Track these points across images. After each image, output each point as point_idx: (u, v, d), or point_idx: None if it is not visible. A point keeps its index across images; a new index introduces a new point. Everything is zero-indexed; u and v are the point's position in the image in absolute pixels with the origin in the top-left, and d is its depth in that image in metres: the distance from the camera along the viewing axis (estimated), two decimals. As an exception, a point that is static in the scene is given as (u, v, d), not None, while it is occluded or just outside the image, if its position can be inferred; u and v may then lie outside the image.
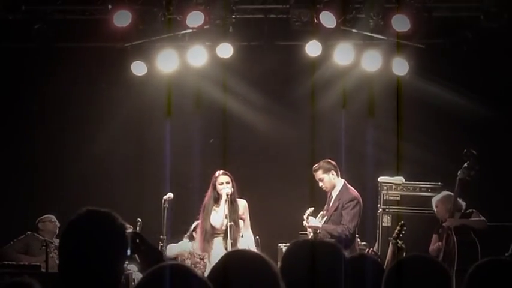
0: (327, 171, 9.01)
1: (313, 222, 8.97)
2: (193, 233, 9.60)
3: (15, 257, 9.51)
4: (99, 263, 2.87)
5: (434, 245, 9.13)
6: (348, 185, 9.09)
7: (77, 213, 2.95)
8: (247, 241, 8.98)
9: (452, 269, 8.29)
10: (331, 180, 9.02)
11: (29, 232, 9.86)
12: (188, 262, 9.56)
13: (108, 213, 2.96)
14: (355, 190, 9.06)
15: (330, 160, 9.13)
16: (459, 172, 8.88)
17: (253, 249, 8.92)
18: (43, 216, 9.99)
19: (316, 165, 9.09)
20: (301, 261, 3.13)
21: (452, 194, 9.06)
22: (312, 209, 9.03)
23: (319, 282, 3.08)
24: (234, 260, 2.91)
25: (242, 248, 7.95)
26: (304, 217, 8.98)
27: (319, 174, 9.03)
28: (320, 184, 9.07)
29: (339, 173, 9.09)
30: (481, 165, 8.94)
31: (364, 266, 3.54)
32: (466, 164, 8.85)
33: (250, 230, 9.09)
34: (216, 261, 2.99)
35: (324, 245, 3.26)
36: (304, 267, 3.10)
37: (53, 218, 9.94)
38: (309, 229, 9.02)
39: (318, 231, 8.87)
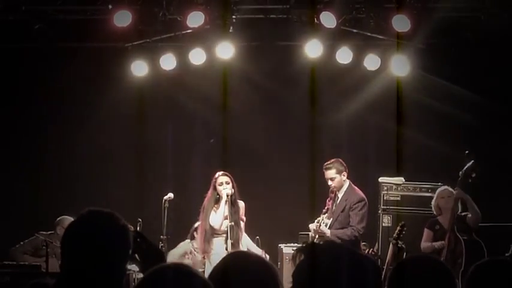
0: (340, 172, 8.99)
1: (322, 229, 8.93)
2: (194, 233, 9.60)
3: (20, 259, 9.42)
4: (102, 263, 2.87)
5: (433, 243, 8.95)
6: (353, 185, 9.08)
7: (79, 213, 2.95)
8: (245, 241, 8.99)
9: (459, 270, 8.20)
10: (341, 181, 9.00)
11: (36, 234, 9.60)
12: (189, 262, 9.56)
13: (111, 214, 2.96)
14: (360, 191, 9.06)
15: (342, 161, 9.10)
16: (460, 173, 8.80)
17: (253, 248, 8.95)
18: (64, 221, 9.21)
19: (330, 163, 9.04)
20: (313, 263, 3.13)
21: (449, 189, 8.98)
22: (324, 216, 8.99)
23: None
24: (235, 261, 2.91)
25: (243, 250, 7.98)
26: (315, 222, 8.92)
27: (332, 173, 9.00)
28: (329, 183, 9.03)
29: (347, 174, 9.10)
30: (482, 167, 8.85)
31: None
32: (467, 166, 8.76)
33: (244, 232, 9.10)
34: (216, 261, 2.99)
35: (334, 247, 3.27)
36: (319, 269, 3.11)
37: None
38: (311, 231, 8.99)
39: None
